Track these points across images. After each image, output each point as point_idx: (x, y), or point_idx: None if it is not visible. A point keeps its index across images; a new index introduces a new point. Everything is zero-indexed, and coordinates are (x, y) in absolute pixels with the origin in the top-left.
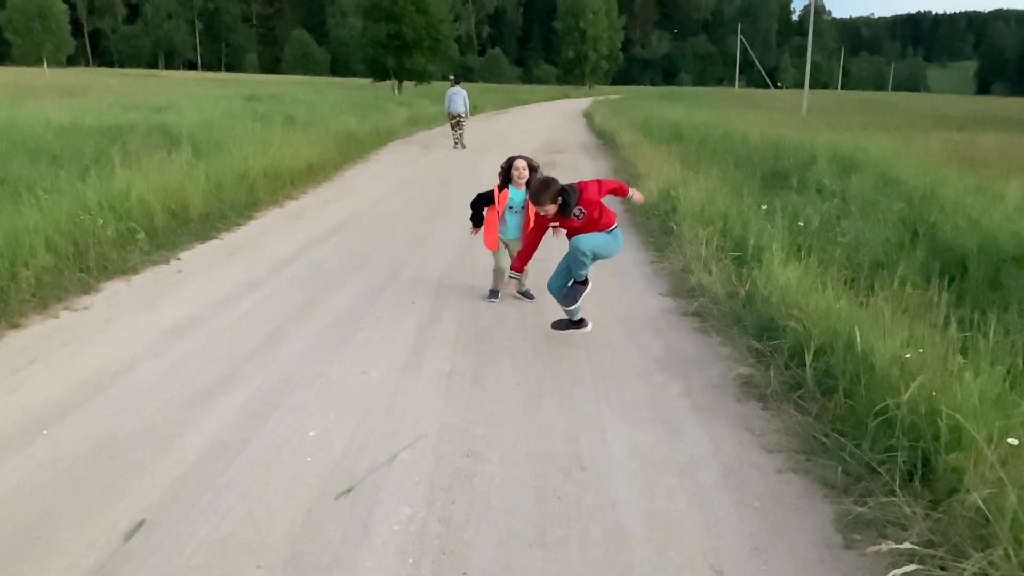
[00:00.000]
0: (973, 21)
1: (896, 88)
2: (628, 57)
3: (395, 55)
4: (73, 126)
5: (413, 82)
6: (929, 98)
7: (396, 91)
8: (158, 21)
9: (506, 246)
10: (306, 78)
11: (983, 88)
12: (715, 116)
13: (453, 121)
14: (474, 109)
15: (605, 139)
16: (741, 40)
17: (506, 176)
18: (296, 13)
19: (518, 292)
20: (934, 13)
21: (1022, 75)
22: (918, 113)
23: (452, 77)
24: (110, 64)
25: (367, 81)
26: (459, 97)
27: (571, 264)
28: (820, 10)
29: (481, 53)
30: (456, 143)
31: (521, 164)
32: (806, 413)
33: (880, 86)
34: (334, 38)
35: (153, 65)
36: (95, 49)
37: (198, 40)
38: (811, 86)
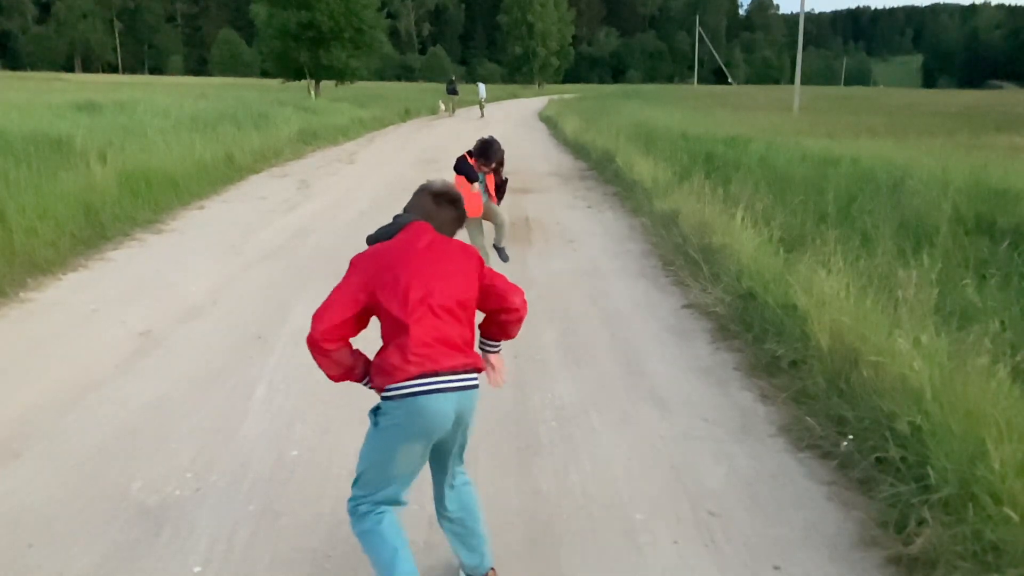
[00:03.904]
0: (911, 15)
1: (847, 83)
2: (576, 54)
3: (309, 49)
4: None
5: (333, 82)
6: (905, 93)
7: (312, 93)
8: (72, 21)
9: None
10: (232, 80)
11: (928, 82)
12: (704, 119)
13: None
14: (407, 114)
15: (591, 161)
16: (700, 34)
17: (480, 152)
18: (224, 12)
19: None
20: (873, 8)
21: (968, 68)
22: (914, 109)
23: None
24: (22, 67)
25: (278, 81)
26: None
27: None
28: (768, 5)
29: (422, 51)
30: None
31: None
32: None
33: (831, 80)
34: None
35: (69, 68)
36: (5, 51)
37: (117, 41)
38: (762, 81)
